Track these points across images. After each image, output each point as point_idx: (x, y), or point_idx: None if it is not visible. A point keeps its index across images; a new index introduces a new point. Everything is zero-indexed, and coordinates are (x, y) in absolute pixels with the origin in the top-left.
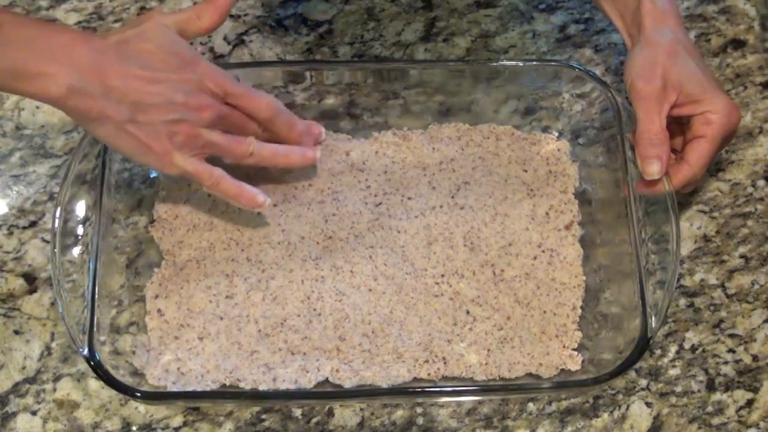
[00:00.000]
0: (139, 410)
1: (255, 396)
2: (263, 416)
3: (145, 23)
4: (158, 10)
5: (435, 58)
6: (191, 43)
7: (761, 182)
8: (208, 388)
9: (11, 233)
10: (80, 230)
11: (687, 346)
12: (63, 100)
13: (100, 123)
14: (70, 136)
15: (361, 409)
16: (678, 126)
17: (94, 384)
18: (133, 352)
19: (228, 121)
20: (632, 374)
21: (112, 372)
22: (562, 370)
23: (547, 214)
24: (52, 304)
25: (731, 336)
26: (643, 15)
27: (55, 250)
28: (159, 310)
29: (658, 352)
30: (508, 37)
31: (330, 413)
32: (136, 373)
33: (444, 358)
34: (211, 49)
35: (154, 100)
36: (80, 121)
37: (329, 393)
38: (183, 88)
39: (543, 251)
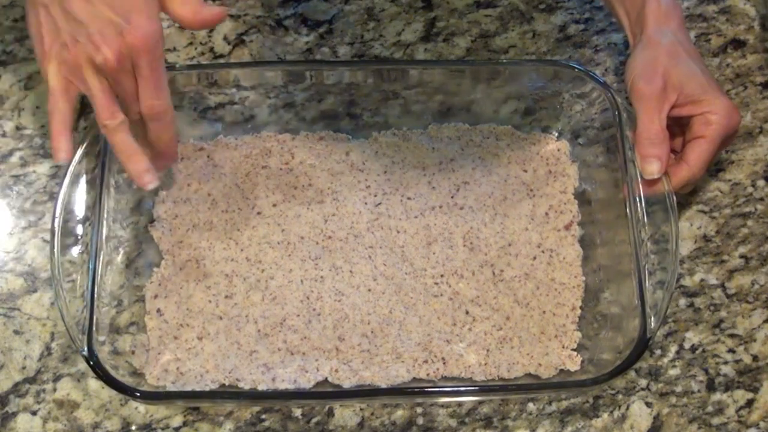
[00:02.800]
0: (139, 410)
1: (254, 396)
2: (263, 416)
3: None
4: None
5: (435, 58)
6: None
7: (761, 182)
8: (207, 388)
9: (11, 233)
10: (80, 230)
11: (687, 346)
12: None
13: None
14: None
15: (361, 409)
16: (678, 127)
17: (94, 384)
18: (133, 352)
19: (117, 83)
20: (632, 374)
21: (112, 372)
22: (562, 370)
23: (546, 214)
24: (52, 304)
25: (731, 336)
26: (647, 15)
27: (55, 250)
28: (158, 310)
29: (658, 352)
30: (508, 37)
31: (330, 413)
32: (136, 373)
33: (443, 358)
34: (211, 49)
35: (74, 11)
36: None
37: (328, 393)
38: (104, 23)
39: (542, 251)
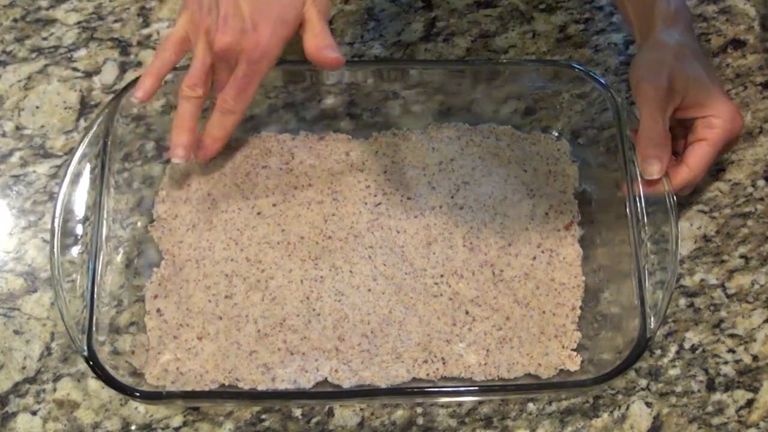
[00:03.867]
0: (139, 410)
1: (254, 396)
2: (263, 416)
3: None
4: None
5: (435, 58)
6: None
7: (761, 182)
8: (206, 388)
9: (11, 233)
10: (80, 230)
11: (687, 346)
12: None
13: None
14: (70, 136)
15: (361, 409)
16: (681, 129)
17: (94, 384)
18: (133, 352)
19: (216, 67)
20: (632, 374)
21: (112, 372)
22: (562, 370)
23: (546, 214)
24: (52, 304)
25: (731, 336)
26: (655, 16)
27: (55, 250)
28: (158, 310)
29: (658, 352)
30: (508, 37)
31: (330, 413)
32: (136, 373)
33: (443, 359)
34: None
35: None
36: None
37: (328, 393)
38: (236, 15)
39: (542, 251)
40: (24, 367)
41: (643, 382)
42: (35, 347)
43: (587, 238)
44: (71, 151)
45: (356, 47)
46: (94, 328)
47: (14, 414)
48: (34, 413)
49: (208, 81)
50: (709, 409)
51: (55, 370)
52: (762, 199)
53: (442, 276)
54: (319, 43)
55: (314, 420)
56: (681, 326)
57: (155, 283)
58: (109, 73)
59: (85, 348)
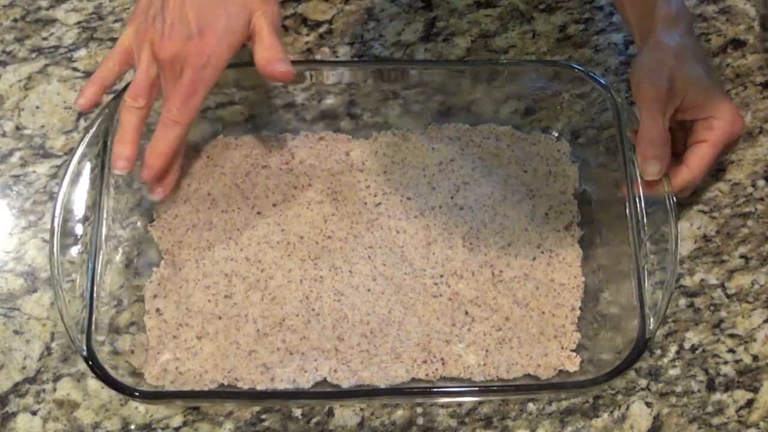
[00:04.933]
0: (139, 410)
1: (253, 396)
2: (263, 416)
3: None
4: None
5: (435, 58)
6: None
7: (761, 182)
8: (206, 388)
9: (11, 233)
10: (80, 230)
11: (687, 346)
12: None
13: None
14: (70, 136)
15: (361, 409)
16: (681, 130)
17: (94, 384)
18: (132, 352)
19: (163, 78)
20: (632, 374)
21: (111, 372)
22: (561, 370)
23: (546, 214)
24: (52, 304)
25: (731, 336)
26: (656, 17)
27: (55, 250)
28: (158, 310)
29: (658, 352)
30: (508, 37)
31: (330, 413)
32: (135, 372)
33: (442, 359)
34: None
35: (168, 2)
36: None
37: (327, 393)
38: (180, 22)
39: (542, 252)
40: (24, 367)
41: (643, 382)
42: (35, 347)
43: (587, 239)
44: (71, 151)
45: (356, 47)
46: (93, 328)
47: (14, 414)
48: (34, 413)
49: (152, 92)
50: (709, 409)
51: (55, 370)
52: (762, 199)
53: (441, 276)
54: (269, 56)
55: (314, 420)
56: (681, 326)
57: (155, 282)
58: None
59: (85, 348)
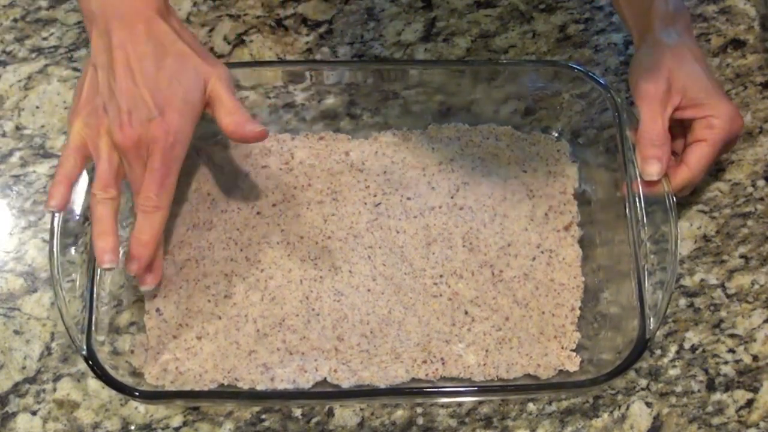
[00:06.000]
0: (139, 410)
1: (253, 396)
2: (263, 416)
3: (201, 63)
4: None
5: (435, 58)
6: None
7: (761, 182)
8: (206, 388)
9: (11, 233)
10: (80, 230)
11: (687, 346)
12: (84, 15)
13: (90, 42)
14: None
15: (361, 409)
16: (680, 128)
17: (94, 384)
18: (132, 352)
19: (129, 165)
20: (632, 374)
21: (111, 372)
22: (561, 370)
23: (546, 214)
24: (52, 304)
25: (731, 336)
26: (653, 15)
27: (55, 250)
28: (158, 310)
29: (658, 352)
30: (508, 37)
31: (330, 413)
32: (135, 372)
33: (442, 359)
34: (211, 49)
35: (116, 85)
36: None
37: (327, 393)
38: (138, 105)
39: (542, 252)
40: (24, 367)
41: (643, 382)
42: (35, 347)
43: (587, 239)
44: None
45: (356, 47)
46: (93, 328)
47: (14, 414)
48: (34, 413)
49: (118, 179)
50: (709, 409)
51: (55, 370)
52: (762, 199)
53: (441, 276)
54: (236, 119)
55: (314, 420)
56: (681, 326)
57: None
58: None
59: (85, 348)
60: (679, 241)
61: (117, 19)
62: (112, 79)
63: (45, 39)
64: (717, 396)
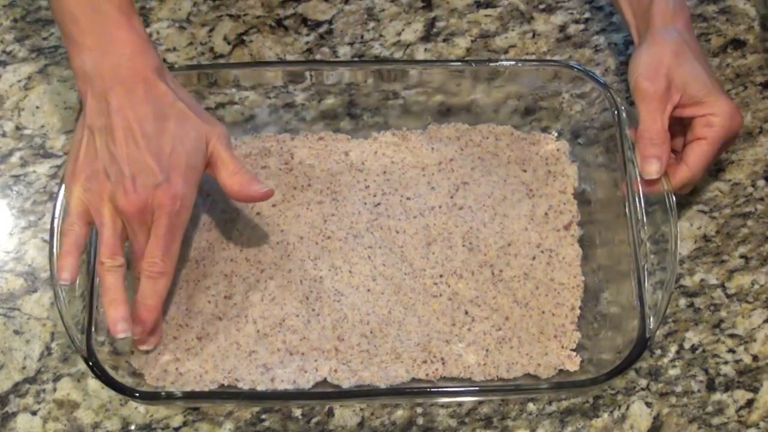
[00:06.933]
0: (139, 410)
1: (253, 396)
2: (263, 416)
3: (201, 123)
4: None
5: (435, 58)
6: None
7: (761, 182)
8: (206, 389)
9: (11, 233)
10: None
11: (687, 346)
12: (76, 74)
13: (83, 105)
14: (70, 136)
15: (361, 409)
16: (680, 127)
17: (94, 384)
18: (132, 352)
19: (132, 231)
20: (632, 374)
21: (111, 372)
22: (561, 370)
23: (546, 214)
24: (52, 304)
25: (731, 336)
26: (653, 13)
27: (55, 250)
28: None
29: (658, 352)
30: (508, 37)
31: (330, 413)
32: (135, 373)
33: (442, 359)
34: (211, 49)
35: (117, 151)
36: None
37: (328, 393)
38: (142, 171)
39: (542, 251)
40: (24, 367)
41: (643, 382)
42: (35, 347)
43: (587, 238)
44: None
45: (356, 47)
46: (93, 328)
47: (14, 414)
48: (34, 413)
49: (123, 245)
50: (709, 409)
51: (55, 370)
52: (762, 199)
53: (441, 276)
54: (240, 180)
55: (314, 420)
56: (681, 326)
57: None
58: None
59: (85, 348)
60: (679, 240)
61: (115, 82)
62: (111, 143)
63: (45, 39)
64: (717, 396)
